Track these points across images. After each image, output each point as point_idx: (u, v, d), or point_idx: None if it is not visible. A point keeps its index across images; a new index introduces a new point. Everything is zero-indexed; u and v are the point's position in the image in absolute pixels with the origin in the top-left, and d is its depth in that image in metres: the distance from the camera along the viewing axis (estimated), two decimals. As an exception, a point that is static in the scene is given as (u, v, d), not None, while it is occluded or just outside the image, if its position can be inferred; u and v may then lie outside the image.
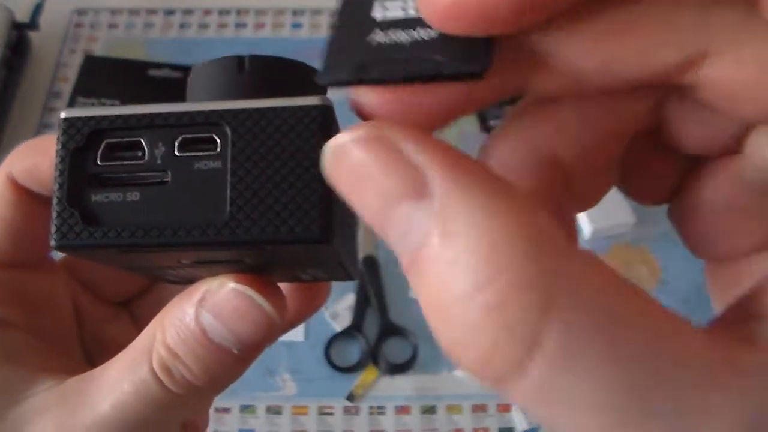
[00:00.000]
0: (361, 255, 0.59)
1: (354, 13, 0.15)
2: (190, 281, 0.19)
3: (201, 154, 0.16)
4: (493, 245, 0.12)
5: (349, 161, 0.14)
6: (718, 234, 0.18)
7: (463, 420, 0.54)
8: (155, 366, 0.18)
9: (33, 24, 0.68)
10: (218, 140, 0.16)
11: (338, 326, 0.56)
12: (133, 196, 0.16)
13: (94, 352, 0.23)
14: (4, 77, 0.66)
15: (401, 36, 0.15)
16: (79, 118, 0.17)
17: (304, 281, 0.22)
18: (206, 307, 0.18)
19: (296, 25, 0.74)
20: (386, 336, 0.56)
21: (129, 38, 0.72)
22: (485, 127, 0.67)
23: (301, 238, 0.16)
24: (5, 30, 0.66)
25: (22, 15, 0.68)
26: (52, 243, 0.16)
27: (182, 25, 0.73)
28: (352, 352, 0.56)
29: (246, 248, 0.16)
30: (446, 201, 0.12)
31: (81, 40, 0.72)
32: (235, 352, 0.18)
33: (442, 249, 0.12)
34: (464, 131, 0.67)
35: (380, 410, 0.54)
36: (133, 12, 0.74)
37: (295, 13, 0.75)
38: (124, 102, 0.66)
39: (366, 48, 0.15)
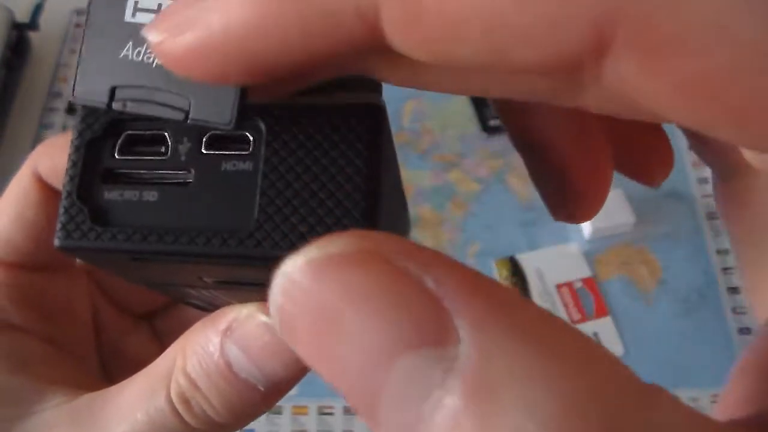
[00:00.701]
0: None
1: (106, 15, 0.14)
2: (215, 307, 0.17)
3: (230, 153, 0.14)
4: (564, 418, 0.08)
5: (321, 295, 0.09)
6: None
7: (463, 420, 0.54)
8: (173, 395, 0.17)
9: (33, 24, 0.68)
10: (251, 138, 0.14)
11: (338, 326, 0.56)
12: (151, 195, 0.14)
13: (111, 365, 0.22)
14: (4, 77, 0.66)
15: (153, 57, 0.13)
16: (102, 104, 0.14)
17: None
18: (233, 338, 0.16)
19: (296, 25, 0.74)
20: (386, 336, 0.56)
21: (129, 38, 0.72)
22: (486, 128, 0.67)
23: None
24: (5, 30, 0.66)
25: (22, 15, 0.68)
26: (56, 242, 0.14)
27: (182, 25, 0.73)
28: (352, 352, 0.56)
29: (271, 265, 0.13)
30: (485, 351, 0.08)
31: (81, 40, 0.72)
32: (261, 389, 0.17)
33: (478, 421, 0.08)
34: (464, 132, 0.67)
35: (380, 410, 0.54)
36: (133, 12, 0.74)
37: (295, 13, 0.75)
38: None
39: (118, 66, 0.13)
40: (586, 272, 0.60)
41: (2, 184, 0.65)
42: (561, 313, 0.57)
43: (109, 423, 0.17)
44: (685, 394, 0.55)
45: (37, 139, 0.65)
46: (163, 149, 0.14)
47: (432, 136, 0.67)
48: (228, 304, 0.17)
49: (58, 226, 0.15)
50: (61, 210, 0.15)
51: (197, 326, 0.17)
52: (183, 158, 0.14)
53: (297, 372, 0.17)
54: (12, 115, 0.67)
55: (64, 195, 0.15)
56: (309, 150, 0.14)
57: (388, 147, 0.14)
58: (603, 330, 0.57)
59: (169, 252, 0.14)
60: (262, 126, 0.14)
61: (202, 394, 0.17)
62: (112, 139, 0.15)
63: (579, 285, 0.59)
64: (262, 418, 0.53)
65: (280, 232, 0.13)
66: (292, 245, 0.13)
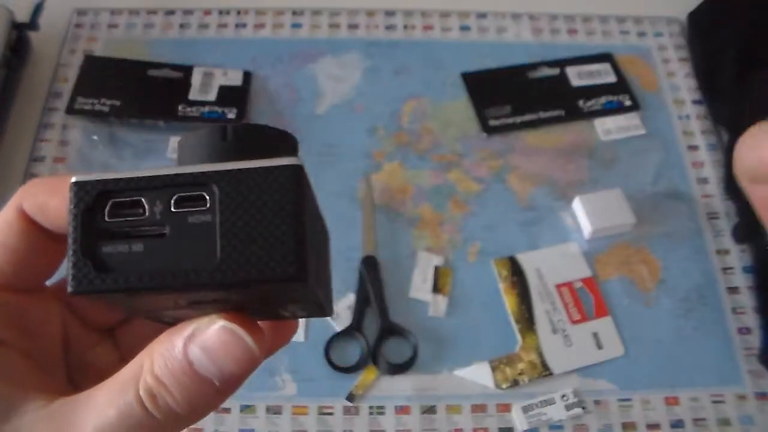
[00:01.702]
0: (361, 255, 0.59)
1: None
2: (180, 320, 0.21)
3: (194, 209, 0.19)
4: None
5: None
6: None
7: (463, 420, 0.54)
8: (142, 392, 0.20)
9: (33, 24, 0.68)
10: (208, 197, 0.19)
11: (338, 326, 0.56)
12: (138, 247, 0.19)
13: (78, 375, 0.25)
14: (4, 77, 0.66)
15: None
16: (87, 182, 0.19)
17: (284, 318, 0.24)
18: (196, 342, 0.20)
19: (296, 25, 0.74)
20: (386, 336, 0.56)
21: (129, 38, 0.72)
22: (486, 128, 0.67)
23: (280, 278, 0.18)
24: (5, 30, 0.66)
25: (22, 15, 0.68)
26: (70, 289, 0.19)
27: (182, 25, 0.73)
28: (352, 352, 0.56)
29: (235, 288, 0.19)
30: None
31: (81, 40, 0.72)
32: (217, 384, 0.20)
33: None
34: (464, 132, 0.67)
35: (380, 410, 0.54)
36: (133, 12, 0.74)
37: (295, 13, 0.75)
38: (125, 102, 0.66)
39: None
40: (586, 272, 0.60)
41: (2, 183, 0.66)
42: (561, 313, 0.57)
43: (83, 421, 0.20)
44: (685, 394, 0.55)
45: (37, 139, 0.65)
46: (141, 211, 0.19)
47: (432, 136, 0.67)
48: (192, 317, 0.20)
49: (70, 277, 0.19)
50: (70, 264, 0.19)
51: (163, 336, 0.20)
52: (158, 216, 0.19)
53: (248, 367, 0.20)
54: (12, 115, 0.67)
55: (70, 253, 0.19)
56: (252, 201, 0.18)
57: (308, 191, 0.20)
58: (603, 330, 0.57)
59: (156, 287, 0.19)
60: (215, 188, 0.19)
61: (167, 390, 0.20)
62: (101, 206, 0.19)
63: (579, 285, 0.59)
64: (263, 418, 0.53)
65: (237, 264, 0.18)
66: (248, 272, 0.18)
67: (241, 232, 0.18)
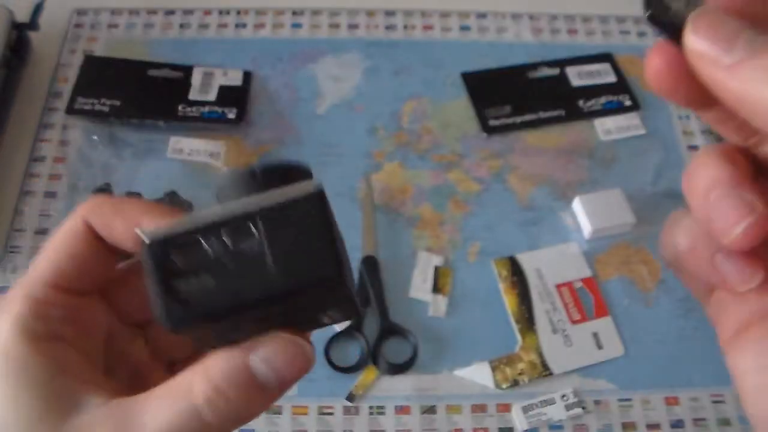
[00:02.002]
0: (361, 255, 0.59)
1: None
2: (234, 342, 0.24)
3: (245, 240, 0.23)
4: None
5: None
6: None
7: (463, 420, 0.54)
8: (202, 400, 0.22)
9: (33, 24, 0.68)
10: (254, 228, 0.23)
11: (338, 326, 0.56)
12: (208, 280, 0.22)
13: (115, 370, 0.27)
14: (4, 77, 0.66)
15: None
16: (158, 240, 0.23)
17: (325, 325, 0.27)
18: (258, 353, 0.23)
19: (296, 25, 0.74)
20: (386, 336, 0.56)
21: (129, 38, 0.72)
22: (486, 128, 0.67)
23: (324, 279, 0.23)
24: (5, 30, 0.66)
25: (22, 15, 0.68)
26: (168, 327, 0.22)
27: (182, 25, 0.73)
28: (352, 352, 0.56)
29: (291, 298, 0.23)
30: None
31: (81, 40, 0.72)
32: (273, 391, 0.23)
33: None
34: (464, 132, 0.67)
35: (380, 410, 0.54)
36: (133, 12, 0.74)
37: (295, 13, 0.75)
38: (125, 102, 0.66)
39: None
40: (586, 272, 0.60)
41: (2, 183, 0.66)
42: (561, 313, 0.57)
43: (142, 423, 0.22)
44: (685, 394, 0.55)
45: (37, 139, 0.65)
46: (204, 249, 0.23)
47: (432, 136, 0.67)
48: (247, 338, 0.23)
49: (163, 316, 0.22)
50: (159, 306, 0.22)
51: (220, 353, 0.23)
52: (219, 252, 0.23)
53: (301, 375, 0.23)
54: (12, 115, 0.67)
55: (159, 296, 0.22)
56: (291, 223, 0.23)
57: (330, 209, 0.24)
58: (603, 330, 0.57)
59: (234, 310, 0.22)
60: (259, 221, 0.23)
61: (227, 398, 0.22)
62: (171, 254, 0.23)
63: (579, 285, 0.59)
64: (263, 417, 0.53)
65: (288, 275, 0.22)
66: (298, 280, 0.22)
67: (286, 251, 0.23)
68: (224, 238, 0.23)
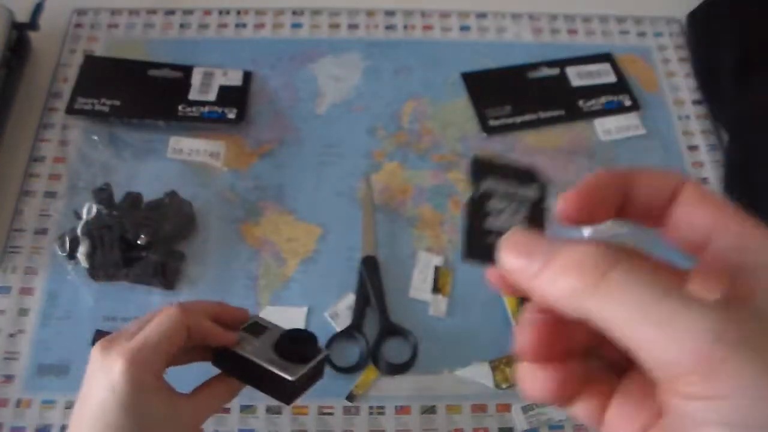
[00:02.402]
0: (361, 255, 0.59)
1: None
2: None
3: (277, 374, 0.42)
4: None
5: None
6: None
7: (463, 420, 0.54)
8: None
9: (33, 24, 0.68)
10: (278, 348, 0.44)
11: (338, 326, 0.56)
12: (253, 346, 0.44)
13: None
14: (4, 77, 0.66)
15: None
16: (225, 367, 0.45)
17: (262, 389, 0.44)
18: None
19: (296, 25, 0.74)
20: (386, 336, 0.56)
21: (129, 38, 0.72)
22: (486, 128, 0.67)
23: (282, 401, 0.43)
24: (5, 30, 0.66)
25: (22, 15, 0.68)
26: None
27: (182, 25, 0.73)
28: (352, 352, 0.56)
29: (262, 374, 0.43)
30: None
31: (81, 40, 0.72)
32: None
33: None
34: (464, 132, 0.67)
35: (380, 410, 0.54)
36: (133, 12, 0.74)
37: (295, 13, 0.75)
38: (125, 102, 0.66)
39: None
40: (586, 272, 0.60)
41: (2, 183, 0.66)
42: (561, 313, 0.57)
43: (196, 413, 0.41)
44: (685, 394, 0.55)
45: (37, 139, 0.65)
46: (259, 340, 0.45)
47: (432, 136, 0.67)
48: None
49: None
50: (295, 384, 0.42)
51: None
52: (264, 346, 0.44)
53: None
54: (12, 115, 0.67)
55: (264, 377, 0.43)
56: (274, 382, 0.43)
57: (311, 378, 0.45)
58: (603, 330, 0.57)
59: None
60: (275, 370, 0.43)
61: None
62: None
63: (579, 285, 0.59)
64: (263, 418, 0.53)
65: (283, 390, 0.43)
66: (294, 390, 0.43)
67: (270, 387, 0.43)
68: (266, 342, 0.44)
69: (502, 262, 0.21)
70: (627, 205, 0.23)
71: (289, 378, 0.41)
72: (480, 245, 0.23)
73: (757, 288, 0.19)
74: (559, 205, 0.22)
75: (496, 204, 0.23)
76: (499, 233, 0.22)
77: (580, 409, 0.23)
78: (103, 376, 0.38)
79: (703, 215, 0.21)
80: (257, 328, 0.45)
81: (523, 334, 0.22)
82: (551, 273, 0.20)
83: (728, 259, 0.20)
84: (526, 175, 0.24)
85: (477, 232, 0.23)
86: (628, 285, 0.18)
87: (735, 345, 0.17)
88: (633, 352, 0.18)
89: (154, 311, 0.41)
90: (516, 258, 0.21)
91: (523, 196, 0.24)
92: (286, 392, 0.42)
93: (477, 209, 0.23)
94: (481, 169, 0.24)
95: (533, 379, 0.22)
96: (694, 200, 0.22)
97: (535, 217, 0.24)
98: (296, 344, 0.44)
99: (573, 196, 0.22)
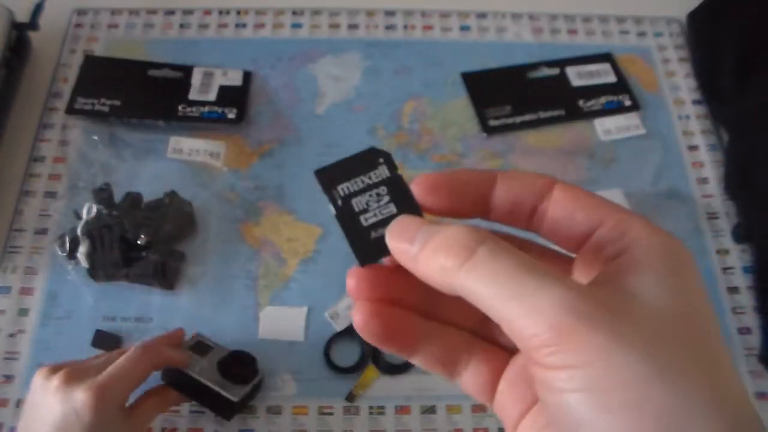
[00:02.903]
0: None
1: None
2: None
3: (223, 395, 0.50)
4: None
5: None
6: None
7: (462, 420, 0.54)
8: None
9: (33, 24, 0.68)
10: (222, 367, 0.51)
11: (338, 326, 0.56)
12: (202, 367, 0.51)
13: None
14: (4, 77, 0.66)
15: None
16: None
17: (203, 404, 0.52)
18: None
19: (296, 25, 0.74)
20: (386, 336, 0.56)
21: (129, 38, 0.72)
22: (486, 128, 0.67)
23: (223, 417, 0.51)
24: (5, 30, 0.66)
25: (22, 15, 0.68)
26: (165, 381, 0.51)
27: (182, 25, 0.73)
28: (352, 352, 0.56)
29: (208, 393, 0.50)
30: None
31: (81, 40, 0.72)
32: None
33: None
34: (464, 132, 0.67)
35: (380, 410, 0.54)
36: (133, 12, 0.74)
37: (295, 13, 0.75)
38: (125, 102, 0.66)
39: None
40: (586, 272, 0.60)
41: (2, 183, 0.66)
42: (561, 313, 0.57)
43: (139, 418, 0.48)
44: (685, 394, 0.55)
45: (37, 139, 0.65)
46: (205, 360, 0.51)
47: (432, 136, 0.67)
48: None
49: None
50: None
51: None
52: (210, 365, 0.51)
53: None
54: (12, 115, 0.67)
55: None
56: (220, 399, 0.50)
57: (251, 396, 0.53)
58: (603, 330, 0.57)
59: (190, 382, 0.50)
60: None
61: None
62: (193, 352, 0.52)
63: (579, 285, 0.59)
64: (263, 418, 0.53)
65: (221, 403, 0.50)
66: (235, 408, 0.50)
67: (217, 405, 0.50)
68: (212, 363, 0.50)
69: (389, 245, 0.23)
70: (492, 206, 0.25)
71: (233, 399, 0.48)
72: (369, 245, 0.23)
73: (629, 269, 0.21)
74: (415, 181, 0.24)
75: (360, 201, 0.24)
76: (382, 222, 0.23)
77: (467, 382, 0.26)
78: (66, 401, 0.43)
79: (581, 211, 0.23)
80: (202, 347, 0.52)
81: (354, 277, 0.24)
82: (427, 254, 0.21)
83: (608, 247, 0.22)
84: (367, 159, 0.24)
85: (359, 236, 0.23)
86: (493, 262, 0.20)
87: (586, 318, 0.18)
88: (502, 327, 0.19)
89: (121, 350, 0.48)
90: (399, 242, 0.22)
91: (378, 179, 0.24)
92: (227, 410, 0.50)
93: (347, 215, 0.24)
94: (327, 178, 0.24)
95: (357, 311, 0.24)
96: (568, 198, 0.23)
97: (399, 192, 0.23)
98: (238, 366, 0.51)
99: (427, 176, 0.23)
